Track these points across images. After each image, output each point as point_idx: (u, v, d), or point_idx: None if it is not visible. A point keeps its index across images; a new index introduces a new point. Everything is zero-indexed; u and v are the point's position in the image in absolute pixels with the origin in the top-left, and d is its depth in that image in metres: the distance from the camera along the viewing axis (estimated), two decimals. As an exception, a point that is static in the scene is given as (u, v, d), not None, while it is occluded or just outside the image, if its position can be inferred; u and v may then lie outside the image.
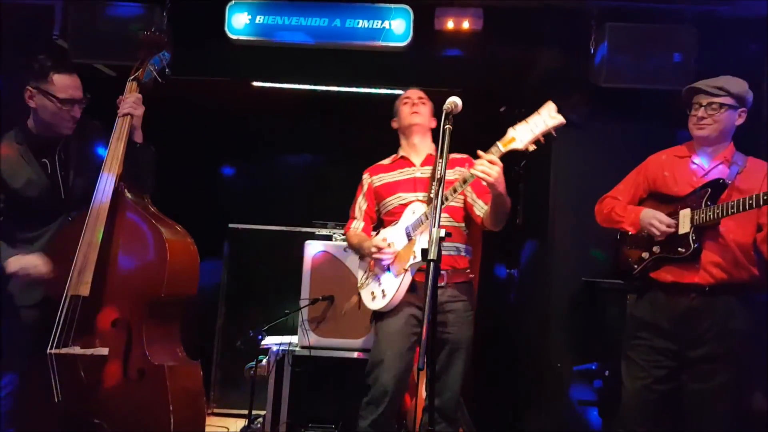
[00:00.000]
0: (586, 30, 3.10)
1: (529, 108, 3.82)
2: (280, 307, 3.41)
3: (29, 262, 2.26)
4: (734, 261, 2.31)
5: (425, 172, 2.57)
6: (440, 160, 1.94)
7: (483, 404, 4.04)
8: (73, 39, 3.12)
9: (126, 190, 2.35)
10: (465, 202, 2.55)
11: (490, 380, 4.12)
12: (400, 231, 2.50)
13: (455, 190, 2.29)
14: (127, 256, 2.31)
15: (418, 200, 2.50)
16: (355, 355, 3.27)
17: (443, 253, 2.34)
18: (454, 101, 1.99)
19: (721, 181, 2.33)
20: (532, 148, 2.07)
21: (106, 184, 2.29)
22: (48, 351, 2.18)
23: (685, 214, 2.34)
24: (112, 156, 2.32)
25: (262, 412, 3.46)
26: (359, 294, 2.66)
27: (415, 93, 2.67)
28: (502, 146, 2.11)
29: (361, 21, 3.17)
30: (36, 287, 2.31)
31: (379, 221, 2.71)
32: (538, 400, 3.32)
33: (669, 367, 2.36)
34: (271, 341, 3.52)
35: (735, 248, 2.31)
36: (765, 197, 2.14)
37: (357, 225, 2.71)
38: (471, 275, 2.61)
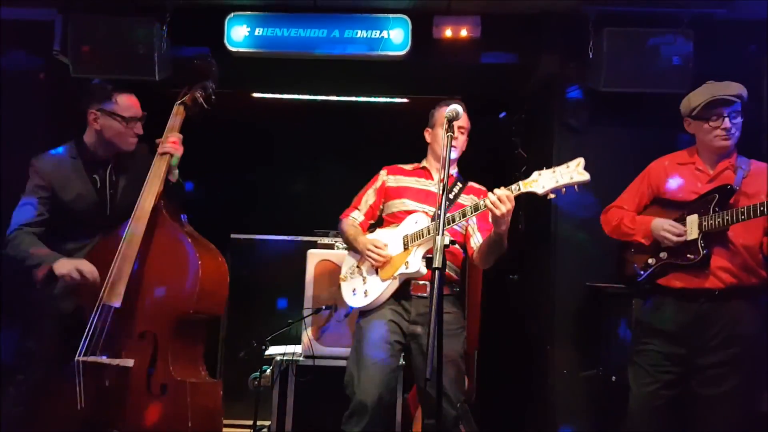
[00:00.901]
0: (584, 35, 3.11)
1: (528, 115, 3.85)
2: (284, 316, 3.40)
3: (81, 265, 2.31)
4: (743, 265, 2.30)
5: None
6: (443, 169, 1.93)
7: (488, 410, 4.03)
8: (74, 54, 3.12)
9: (165, 208, 2.43)
10: (465, 230, 2.55)
11: (494, 386, 4.11)
12: (398, 237, 2.48)
13: (464, 215, 2.31)
14: (160, 270, 2.36)
15: (423, 212, 2.50)
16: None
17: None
18: (456, 109, 2.00)
19: (729, 186, 2.32)
20: (551, 196, 2.10)
21: (147, 201, 2.38)
22: (76, 358, 2.24)
23: (692, 220, 2.33)
24: (154, 176, 2.42)
25: (267, 423, 3.44)
26: (339, 285, 2.64)
27: (459, 118, 2.55)
28: (522, 186, 2.15)
29: (359, 31, 3.18)
30: (76, 294, 2.37)
31: (378, 220, 2.70)
32: (543, 406, 3.31)
33: (676, 373, 2.35)
34: (274, 351, 3.51)
35: (744, 252, 2.30)
36: None
37: (357, 216, 2.67)
38: (457, 289, 2.60)
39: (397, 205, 2.59)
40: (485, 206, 2.17)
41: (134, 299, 2.32)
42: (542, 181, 2.10)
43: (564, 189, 2.08)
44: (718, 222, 2.27)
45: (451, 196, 2.51)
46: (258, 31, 3.20)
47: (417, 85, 3.69)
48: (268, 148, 4.43)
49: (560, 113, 3.33)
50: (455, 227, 2.49)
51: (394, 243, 2.49)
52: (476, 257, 2.49)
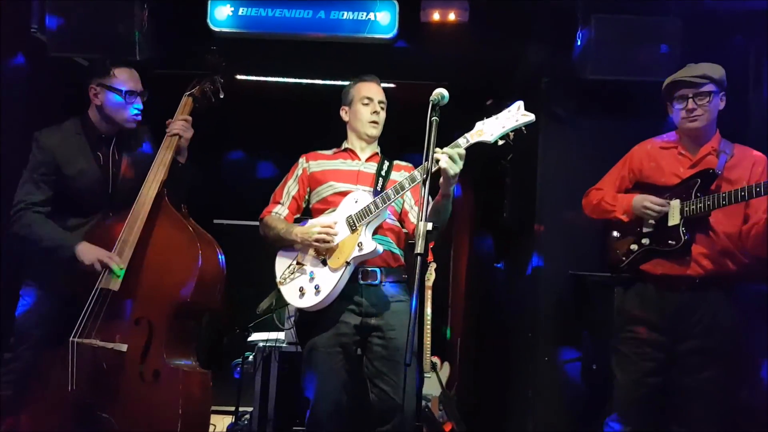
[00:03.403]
0: (572, 22, 3.09)
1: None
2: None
3: (106, 259, 2.29)
4: (724, 252, 2.31)
5: (369, 167, 2.44)
6: (429, 150, 1.90)
7: (471, 399, 4.05)
8: (51, 32, 3.05)
9: (167, 197, 2.41)
10: (402, 207, 2.44)
11: (478, 375, 4.13)
12: (340, 219, 2.29)
13: (402, 188, 2.20)
14: (160, 258, 2.35)
15: (362, 190, 2.34)
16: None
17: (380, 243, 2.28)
18: (441, 92, 1.96)
19: (711, 171, 2.32)
20: (500, 142, 2.05)
21: (150, 188, 2.36)
22: (70, 338, 2.22)
23: (674, 205, 2.33)
24: (159, 164, 2.40)
25: (250, 409, 3.43)
26: (279, 291, 2.40)
27: (377, 93, 2.46)
28: (470, 137, 2.08)
29: (346, 13, 3.13)
30: (77, 276, 2.35)
31: (305, 212, 2.52)
32: (526, 394, 3.32)
33: (658, 360, 2.36)
34: (257, 337, 3.49)
35: (725, 239, 2.31)
36: (757, 189, 2.14)
37: (280, 210, 2.46)
38: (405, 276, 2.43)
39: (326, 189, 2.41)
40: (439, 166, 2.04)
41: (132, 285, 2.31)
42: (488, 129, 2.05)
43: (512, 133, 2.05)
44: (700, 207, 2.27)
45: (382, 173, 2.40)
46: (241, 11, 3.14)
47: (404, 70, 3.65)
48: (251, 132, 4.37)
49: (547, 101, 3.31)
50: (394, 204, 2.36)
51: (338, 226, 2.29)
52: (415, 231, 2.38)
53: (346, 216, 2.29)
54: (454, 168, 2.04)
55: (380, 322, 2.31)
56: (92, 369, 2.23)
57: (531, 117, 2.02)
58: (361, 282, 2.31)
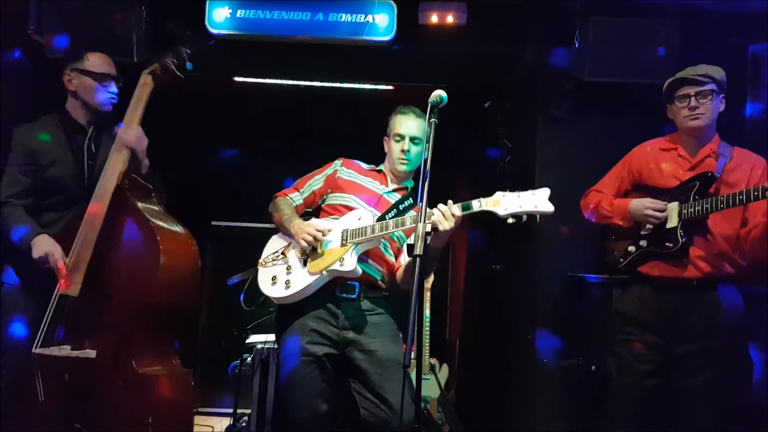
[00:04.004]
0: (570, 24, 3.09)
1: (513, 103, 3.83)
2: (265, 305, 3.36)
3: (53, 249, 2.23)
4: (722, 255, 2.31)
5: (392, 197, 2.45)
6: (427, 149, 1.91)
7: (470, 401, 4.05)
8: (49, 34, 3.04)
9: (129, 188, 2.32)
10: (400, 244, 2.44)
11: (476, 377, 4.12)
12: (337, 229, 2.31)
13: (402, 224, 2.19)
14: (121, 258, 2.24)
15: (369, 211, 2.35)
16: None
17: (364, 269, 2.28)
18: (440, 94, 1.97)
19: (710, 174, 2.32)
20: (511, 221, 2.01)
21: (108, 182, 2.28)
22: (33, 350, 2.15)
23: (672, 207, 2.33)
24: (113, 164, 2.32)
25: (248, 411, 3.43)
26: (257, 270, 2.42)
27: (410, 128, 2.42)
28: (484, 203, 2.05)
29: (344, 15, 3.13)
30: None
31: (315, 211, 2.53)
32: (524, 396, 3.32)
33: (656, 362, 2.36)
34: (255, 339, 3.48)
35: (723, 242, 2.31)
36: (755, 193, 2.14)
37: (295, 198, 2.48)
38: (386, 293, 2.45)
39: (343, 199, 2.42)
40: (431, 220, 2.04)
41: (94, 289, 2.19)
42: (505, 204, 2.02)
43: (525, 216, 2.01)
44: (698, 210, 2.27)
45: (400, 207, 2.37)
46: (240, 13, 3.14)
47: (401, 72, 3.65)
48: (249, 134, 4.37)
49: (545, 103, 3.32)
50: (393, 237, 2.39)
51: (332, 234, 2.30)
52: (400, 274, 2.37)
53: (343, 228, 2.30)
54: (444, 225, 2.04)
55: (358, 336, 2.30)
56: (60, 378, 2.15)
57: (551, 208, 1.98)
58: (339, 294, 2.31)
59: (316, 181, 2.51)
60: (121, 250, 2.25)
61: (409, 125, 2.44)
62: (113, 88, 2.50)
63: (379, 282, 2.39)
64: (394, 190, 2.49)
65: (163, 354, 2.28)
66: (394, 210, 2.36)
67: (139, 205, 2.29)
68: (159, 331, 2.28)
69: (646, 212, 2.35)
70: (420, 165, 2.38)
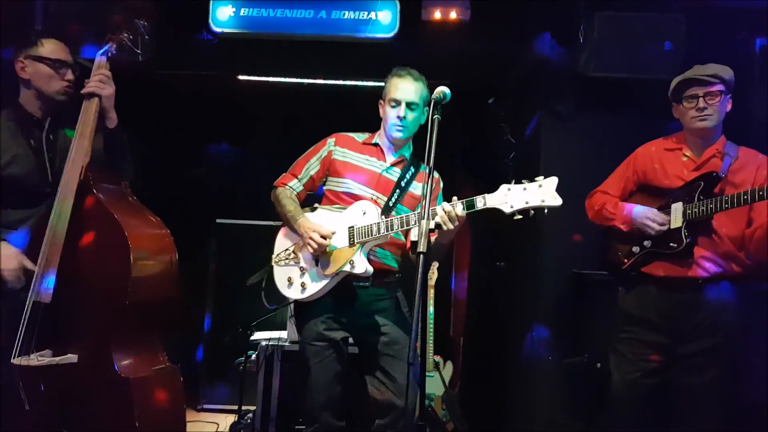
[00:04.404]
0: (574, 19, 3.07)
1: (517, 100, 3.80)
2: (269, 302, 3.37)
3: (15, 264, 2.12)
4: (727, 254, 2.29)
5: (392, 174, 2.40)
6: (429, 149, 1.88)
7: (474, 399, 4.04)
8: (56, 34, 3.05)
9: (93, 182, 2.16)
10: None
11: (480, 374, 4.12)
12: (343, 226, 2.28)
13: (407, 222, 2.16)
14: (91, 258, 2.12)
15: (372, 200, 2.32)
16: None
17: (375, 259, 2.30)
18: (443, 91, 1.95)
19: (715, 174, 2.30)
20: (518, 217, 1.96)
21: (70, 178, 2.13)
22: (11, 360, 2.04)
23: (677, 207, 2.32)
24: (78, 145, 2.15)
25: (252, 408, 3.44)
26: (271, 269, 2.42)
27: (406, 93, 2.34)
28: (488, 200, 2.00)
29: (347, 12, 3.14)
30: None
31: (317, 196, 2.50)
32: (529, 393, 3.32)
33: (658, 361, 2.35)
34: (260, 336, 3.49)
35: (728, 242, 2.29)
36: (761, 192, 2.12)
37: (295, 185, 2.45)
38: (399, 276, 2.45)
39: (342, 185, 2.38)
40: (435, 217, 2.01)
41: (67, 292, 2.07)
42: (510, 199, 1.96)
43: (532, 211, 1.95)
44: (702, 210, 2.25)
45: (402, 184, 2.35)
46: (243, 11, 3.15)
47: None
48: (253, 132, 4.38)
49: (549, 99, 3.30)
50: (399, 215, 2.31)
51: (339, 233, 2.28)
52: (412, 251, 2.34)
53: (350, 225, 2.28)
54: (448, 225, 2.03)
55: (371, 320, 2.34)
56: (46, 386, 2.06)
57: (558, 202, 1.92)
58: (353, 282, 2.33)
59: (312, 165, 2.45)
60: (90, 251, 2.12)
61: (405, 89, 2.34)
62: (69, 76, 2.34)
63: (392, 267, 2.40)
64: (393, 164, 2.43)
65: (146, 352, 2.20)
66: (397, 190, 2.35)
67: (105, 200, 2.15)
68: (139, 329, 2.20)
69: (644, 221, 2.34)
70: (415, 131, 2.39)
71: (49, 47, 2.33)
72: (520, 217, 1.97)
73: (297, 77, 3.83)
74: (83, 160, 2.15)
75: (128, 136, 2.35)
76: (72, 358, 2.07)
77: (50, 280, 2.06)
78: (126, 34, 2.29)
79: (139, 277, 2.10)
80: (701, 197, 2.28)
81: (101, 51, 2.28)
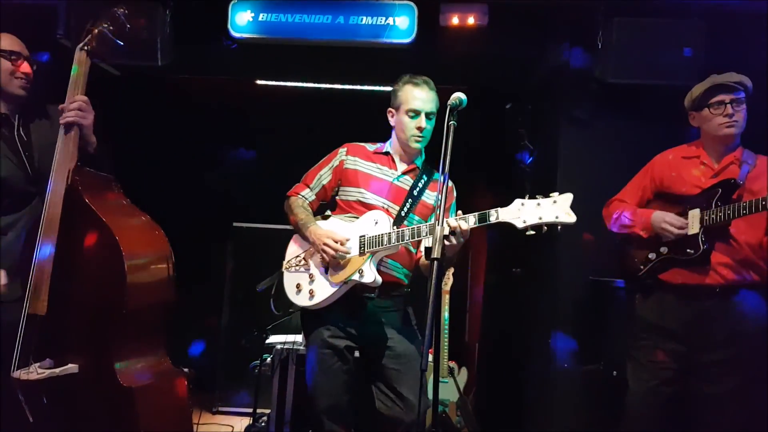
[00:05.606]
0: (593, 25, 3.06)
1: (535, 105, 3.79)
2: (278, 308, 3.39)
3: None
4: (746, 262, 2.27)
5: (404, 183, 2.39)
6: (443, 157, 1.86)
7: (489, 405, 4.02)
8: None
9: (80, 187, 2.06)
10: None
11: (496, 381, 4.09)
12: (355, 235, 2.27)
13: (418, 233, 2.15)
14: (83, 266, 2.05)
15: (384, 209, 2.31)
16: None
17: (385, 270, 2.29)
18: (459, 97, 1.94)
19: (733, 181, 2.29)
20: (530, 233, 1.93)
21: (57, 184, 2.04)
22: (11, 375, 1.99)
23: (694, 214, 2.30)
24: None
25: (267, 411, 3.45)
26: (281, 274, 2.42)
27: (425, 104, 2.33)
28: (501, 214, 1.99)
29: (365, 18, 3.14)
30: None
31: (329, 201, 2.50)
32: (543, 401, 3.29)
33: (675, 370, 2.33)
34: (275, 340, 3.51)
35: (746, 249, 2.27)
36: None
37: (307, 195, 2.45)
38: (407, 290, 2.43)
39: (354, 194, 2.38)
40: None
41: (62, 302, 2.02)
42: (524, 214, 1.93)
43: (545, 227, 1.92)
44: (720, 216, 2.23)
45: (415, 192, 2.34)
46: (262, 17, 3.17)
47: (422, 75, 3.65)
48: (270, 137, 4.41)
49: (567, 105, 3.29)
50: (410, 226, 2.31)
51: (351, 241, 2.28)
52: (422, 262, 2.36)
53: (361, 234, 2.27)
54: (450, 241, 2.00)
55: (377, 332, 2.32)
56: (48, 398, 2.02)
57: (572, 219, 1.89)
58: (360, 293, 2.32)
59: (324, 175, 2.45)
60: (82, 258, 2.06)
61: (424, 99, 2.33)
62: (25, 68, 2.27)
63: (401, 279, 2.39)
64: (404, 173, 2.42)
65: (148, 358, 2.15)
66: (410, 200, 2.34)
67: (94, 204, 2.05)
68: (140, 335, 2.13)
69: (663, 225, 2.32)
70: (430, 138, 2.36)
71: (4, 38, 2.27)
72: (533, 232, 1.94)
73: (315, 82, 3.86)
74: (69, 165, 2.06)
75: (111, 152, 2.26)
76: (73, 368, 2.02)
77: (44, 292, 2.00)
78: (105, 25, 2.18)
79: (136, 284, 2.04)
80: (719, 203, 2.26)
81: (80, 45, 2.16)
